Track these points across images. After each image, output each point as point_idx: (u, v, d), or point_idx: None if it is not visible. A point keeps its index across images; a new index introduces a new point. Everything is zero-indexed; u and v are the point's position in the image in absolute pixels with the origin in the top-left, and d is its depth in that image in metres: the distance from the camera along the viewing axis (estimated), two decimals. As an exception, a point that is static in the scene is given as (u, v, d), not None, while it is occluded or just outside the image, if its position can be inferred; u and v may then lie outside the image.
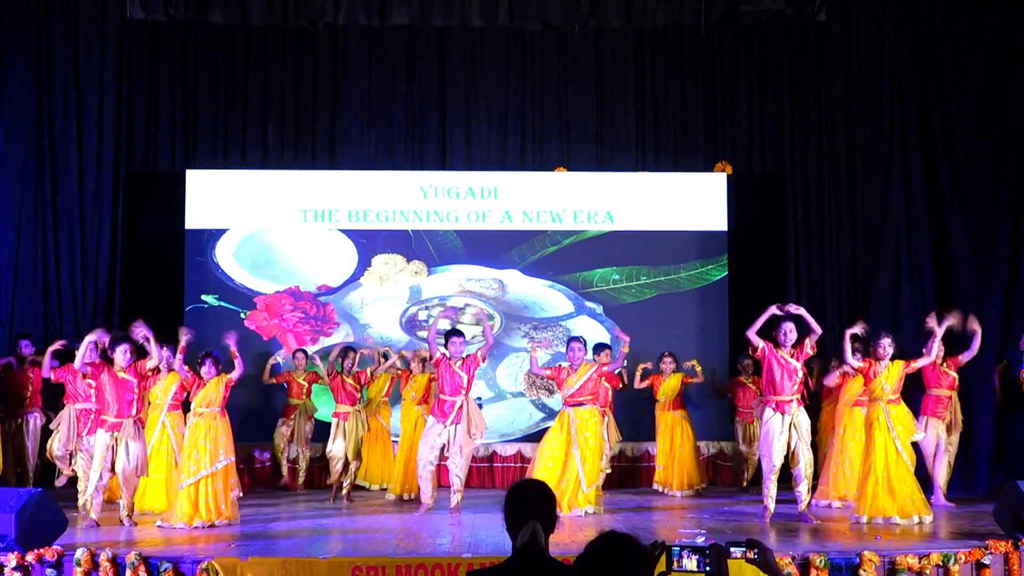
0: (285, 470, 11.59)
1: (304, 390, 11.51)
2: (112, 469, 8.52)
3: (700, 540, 7.45)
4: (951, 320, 9.35)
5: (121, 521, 8.60)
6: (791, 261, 12.28)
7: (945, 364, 9.98)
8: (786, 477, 8.95)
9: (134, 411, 8.59)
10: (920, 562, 6.84)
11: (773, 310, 8.78)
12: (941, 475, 10.02)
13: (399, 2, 11.26)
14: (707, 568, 3.54)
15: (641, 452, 12.01)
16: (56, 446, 10.08)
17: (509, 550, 3.58)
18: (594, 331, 12.05)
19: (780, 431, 8.68)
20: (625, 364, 10.72)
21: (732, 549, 3.59)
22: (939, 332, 9.23)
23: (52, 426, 10.12)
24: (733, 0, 11.27)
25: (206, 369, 8.72)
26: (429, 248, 12.34)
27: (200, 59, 12.40)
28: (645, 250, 12.34)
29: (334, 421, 10.51)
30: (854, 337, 9.03)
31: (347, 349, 10.80)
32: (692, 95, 12.65)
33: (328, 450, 10.52)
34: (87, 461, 8.84)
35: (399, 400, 11.09)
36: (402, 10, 11.29)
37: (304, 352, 11.66)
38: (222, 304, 12.12)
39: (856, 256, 12.13)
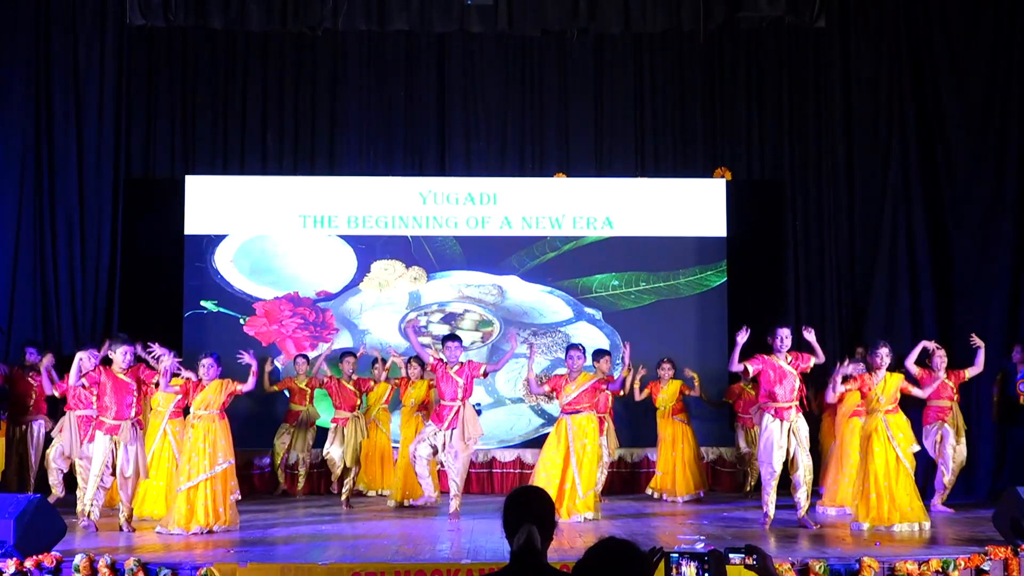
0: (282, 478, 11.57)
1: (307, 396, 11.50)
2: (113, 473, 8.52)
3: (699, 546, 7.45)
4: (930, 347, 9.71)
5: (120, 527, 8.59)
6: (790, 267, 12.29)
7: (947, 376, 9.99)
8: (786, 483, 8.96)
9: (132, 413, 8.59)
10: (920, 568, 6.84)
11: (740, 337, 8.76)
12: (942, 483, 10.01)
13: (398, 8, 11.27)
14: (706, 574, 3.54)
15: (640, 459, 12.00)
16: (53, 455, 10.06)
17: (508, 556, 3.58)
18: (593, 337, 12.05)
19: (779, 437, 8.70)
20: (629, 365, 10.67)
21: (731, 555, 3.59)
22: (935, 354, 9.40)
23: (53, 433, 10.10)
24: (732, 6, 11.27)
25: (204, 371, 8.70)
26: (428, 254, 12.34)
27: (199, 65, 12.41)
28: (644, 256, 12.35)
29: (332, 427, 10.53)
30: (850, 358, 9.13)
31: (347, 354, 10.82)
32: (691, 101, 12.66)
33: (326, 452, 10.56)
34: (87, 468, 8.82)
35: (399, 407, 11.09)
36: (401, 16, 11.30)
37: (305, 358, 11.65)
38: (221, 310, 12.12)
39: (854, 262, 12.14)
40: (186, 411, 9.29)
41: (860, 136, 12.18)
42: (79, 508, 8.82)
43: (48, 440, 10.36)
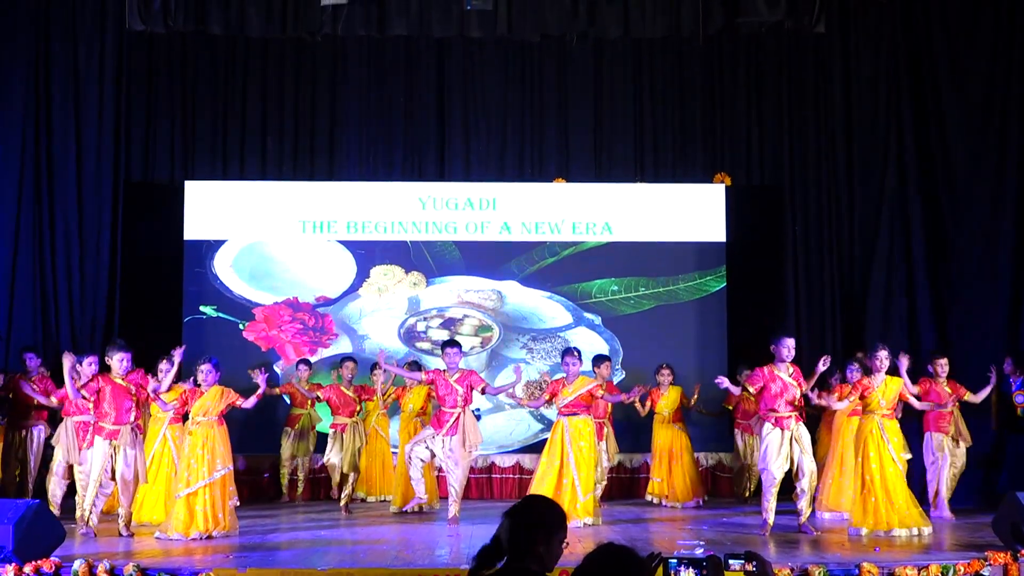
0: (286, 487, 11.56)
1: (308, 400, 11.47)
2: (112, 478, 8.51)
3: (699, 552, 7.45)
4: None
5: (119, 532, 8.59)
6: (789, 272, 12.28)
7: (947, 384, 9.99)
8: (786, 489, 8.95)
9: (132, 418, 8.58)
10: (919, 573, 6.84)
11: (724, 384, 9.26)
12: (944, 487, 10.01)
13: (398, 13, 11.26)
14: (705, 580, 3.54)
15: (639, 464, 11.99)
16: (56, 470, 9.97)
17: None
18: (593, 342, 12.05)
19: (780, 445, 8.71)
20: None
21: (731, 561, 3.59)
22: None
23: (53, 442, 10.05)
24: (731, 11, 11.26)
25: (203, 376, 8.69)
26: (428, 259, 12.34)
27: (199, 70, 12.42)
28: (644, 261, 12.35)
29: (331, 432, 10.53)
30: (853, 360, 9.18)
31: (346, 359, 10.81)
32: (691, 106, 12.67)
33: (326, 459, 10.57)
34: (86, 474, 8.80)
35: (397, 412, 11.08)
36: (401, 21, 11.29)
37: (308, 363, 11.64)
38: (220, 315, 12.11)
39: (854, 266, 12.13)
40: (186, 416, 9.28)
41: (859, 140, 12.17)
42: (78, 514, 8.80)
43: (48, 447, 10.32)
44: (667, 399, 11.14)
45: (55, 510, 9.89)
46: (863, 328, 11.80)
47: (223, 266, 12.20)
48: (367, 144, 12.58)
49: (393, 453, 11.13)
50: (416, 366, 10.80)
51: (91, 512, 8.52)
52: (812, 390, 8.97)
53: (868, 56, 12.14)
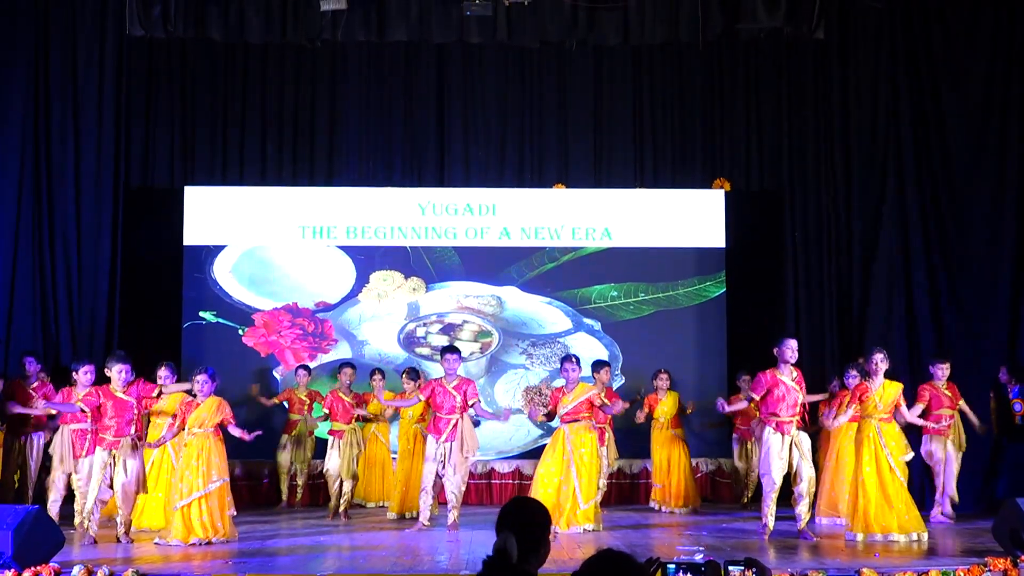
0: (286, 494, 11.55)
1: (306, 406, 11.48)
2: (111, 486, 8.50)
3: (699, 557, 7.43)
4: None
5: (118, 538, 8.57)
6: (789, 278, 12.26)
7: (946, 387, 9.99)
8: (785, 495, 8.95)
9: (132, 430, 8.57)
10: (919, 579, 6.84)
11: (724, 409, 9.58)
12: (952, 489, 10.02)
13: (397, 19, 11.27)
14: (704, 585, 3.53)
15: (640, 470, 11.99)
16: (54, 472, 9.96)
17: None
18: (592, 348, 12.05)
19: (780, 450, 8.71)
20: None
21: (731, 568, 3.59)
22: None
23: (50, 450, 10.02)
24: (731, 18, 11.26)
25: (199, 387, 8.67)
26: (427, 264, 12.34)
27: (199, 76, 12.41)
28: (643, 267, 12.35)
29: (330, 439, 10.51)
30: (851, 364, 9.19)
31: (345, 365, 10.80)
32: (690, 112, 12.67)
33: (325, 469, 10.54)
34: (85, 482, 8.79)
35: (397, 418, 11.08)
36: (400, 27, 11.30)
37: (307, 369, 11.64)
38: (220, 321, 12.11)
39: (853, 271, 12.11)
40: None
41: (859, 144, 12.15)
42: (77, 520, 8.80)
43: (47, 454, 10.29)
44: (665, 403, 11.13)
45: (54, 516, 9.89)
46: (863, 332, 11.79)
47: (223, 271, 12.20)
48: (367, 149, 12.58)
49: (393, 458, 11.13)
50: (415, 373, 10.77)
51: (90, 519, 8.51)
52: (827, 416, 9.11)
53: (867, 58, 12.12)
